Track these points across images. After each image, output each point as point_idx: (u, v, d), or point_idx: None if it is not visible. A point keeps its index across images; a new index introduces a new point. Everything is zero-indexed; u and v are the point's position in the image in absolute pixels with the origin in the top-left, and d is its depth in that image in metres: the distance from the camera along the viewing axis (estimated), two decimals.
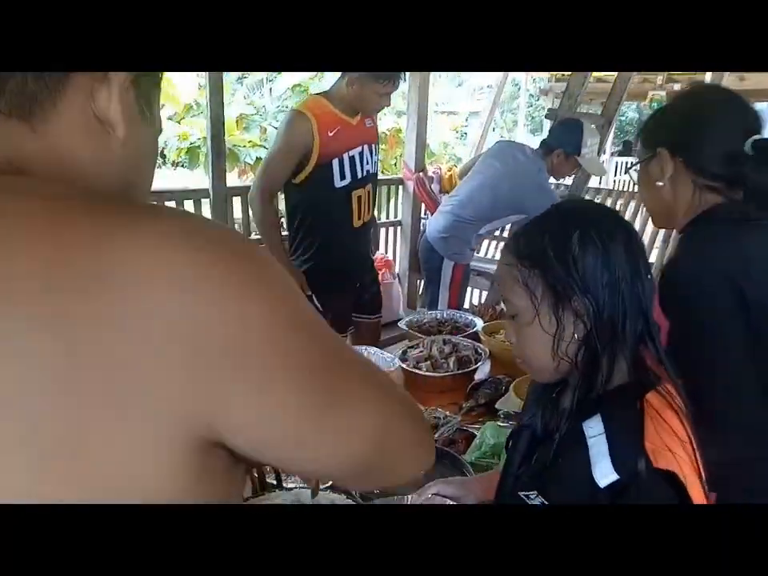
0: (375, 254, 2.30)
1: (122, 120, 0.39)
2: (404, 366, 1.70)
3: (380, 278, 3.34)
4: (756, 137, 0.88)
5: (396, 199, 4.18)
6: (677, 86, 9.35)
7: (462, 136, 11.47)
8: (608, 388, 0.65)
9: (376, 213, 4.01)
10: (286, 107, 8.18)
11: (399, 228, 4.15)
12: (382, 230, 4.12)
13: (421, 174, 3.91)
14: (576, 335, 0.67)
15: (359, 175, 1.97)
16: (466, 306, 2.85)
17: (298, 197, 1.96)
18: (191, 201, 2.95)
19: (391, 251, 4.19)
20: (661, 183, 0.96)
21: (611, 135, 3.04)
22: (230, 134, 7.64)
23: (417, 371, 1.68)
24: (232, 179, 8.02)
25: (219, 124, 2.89)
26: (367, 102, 1.92)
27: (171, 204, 2.85)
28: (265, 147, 7.87)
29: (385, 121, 7.83)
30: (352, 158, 1.94)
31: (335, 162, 1.90)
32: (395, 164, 8.05)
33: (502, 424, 1.25)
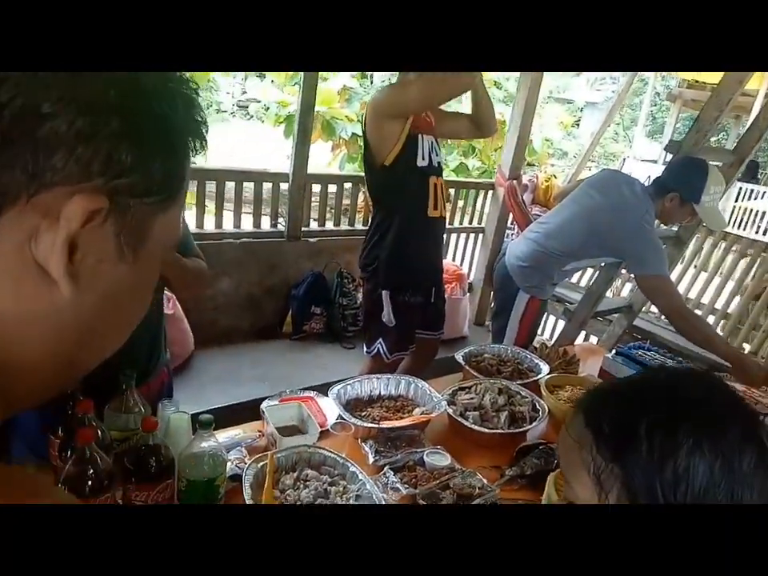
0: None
1: (64, 275, 0.31)
2: (450, 411, 1.60)
3: (450, 291, 3.22)
4: None
5: (483, 205, 4.00)
6: None
7: (572, 132, 10.85)
8: None
9: (460, 218, 3.89)
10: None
11: (481, 235, 3.99)
12: (463, 236, 3.97)
13: (514, 182, 3.71)
14: None
15: (434, 162, 2.00)
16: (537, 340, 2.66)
17: (384, 180, 1.99)
18: (270, 184, 2.95)
19: (468, 259, 4.04)
20: None
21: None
22: (329, 106, 7.65)
23: (462, 421, 1.58)
24: (325, 152, 8.08)
25: (309, 109, 2.86)
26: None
27: (249, 185, 2.87)
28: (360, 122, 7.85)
29: None
30: (429, 142, 1.97)
31: (420, 138, 1.93)
32: (493, 156, 7.74)
33: None
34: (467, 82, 1.87)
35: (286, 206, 2.93)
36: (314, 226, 3.14)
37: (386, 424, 1.50)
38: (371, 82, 8.94)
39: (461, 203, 3.98)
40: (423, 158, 1.95)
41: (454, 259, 3.94)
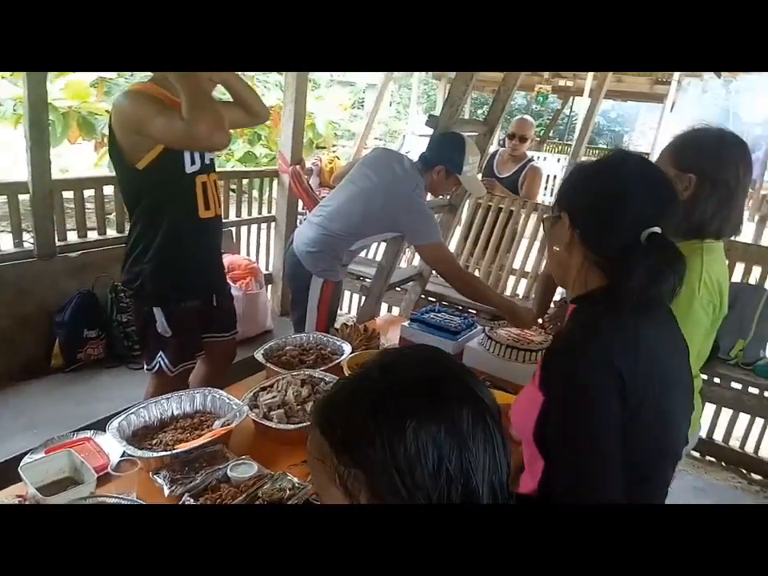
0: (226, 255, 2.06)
1: None
2: (252, 416, 1.53)
3: (245, 287, 3.10)
4: (653, 230, 0.86)
5: (271, 193, 3.91)
6: (561, 82, 9.87)
7: (357, 113, 11.26)
8: None
9: (248, 209, 3.75)
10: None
11: (274, 224, 3.91)
12: (254, 227, 3.86)
13: (297, 166, 3.70)
14: None
15: (205, 160, 1.82)
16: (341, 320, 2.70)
17: (139, 184, 1.75)
18: (3, 196, 2.48)
19: (264, 250, 3.94)
20: (557, 248, 0.98)
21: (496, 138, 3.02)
22: (83, 100, 6.81)
23: (266, 423, 1.52)
24: (88, 152, 7.20)
25: (42, 104, 2.46)
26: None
27: None
28: None
29: (269, 97, 7.41)
30: None
31: None
32: (279, 142, 7.66)
33: None
34: (202, 87, 1.69)
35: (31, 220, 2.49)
36: (73, 238, 2.73)
37: (180, 447, 1.37)
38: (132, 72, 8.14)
39: (246, 194, 3.84)
40: (193, 163, 1.78)
41: (248, 253, 3.81)
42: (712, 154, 1.31)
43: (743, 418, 2.84)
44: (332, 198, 2.33)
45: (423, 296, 3.27)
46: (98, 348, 2.58)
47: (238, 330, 2.18)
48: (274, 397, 1.62)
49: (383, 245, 3.17)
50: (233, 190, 3.79)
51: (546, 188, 9.33)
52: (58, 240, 2.61)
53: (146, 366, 1.92)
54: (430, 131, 2.63)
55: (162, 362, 1.87)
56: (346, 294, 3.75)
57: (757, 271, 2.85)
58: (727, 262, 1.46)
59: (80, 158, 7.35)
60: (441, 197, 2.72)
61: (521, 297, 3.42)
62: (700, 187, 1.30)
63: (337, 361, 1.88)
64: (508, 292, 3.47)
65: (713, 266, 1.34)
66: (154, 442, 1.42)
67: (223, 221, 2.04)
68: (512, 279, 3.51)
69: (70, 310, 2.51)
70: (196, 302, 1.91)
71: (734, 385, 2.58)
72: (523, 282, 3.48)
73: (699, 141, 1.35)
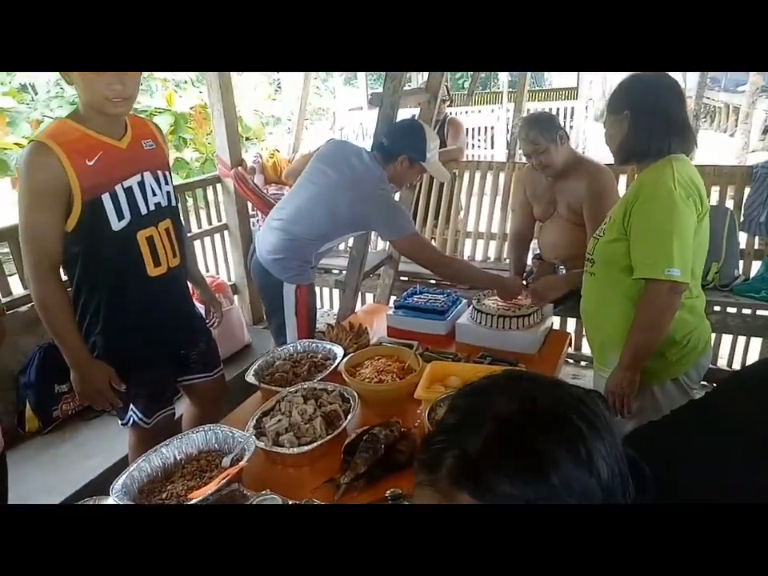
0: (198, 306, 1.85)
1: None
2: (262, 445, 1.47)
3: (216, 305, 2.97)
4: None
5: (216, 199, 3.75)
6: None
7: (276, 97, 10.94)
8: None
9: (197, 221, 3.57)
10: (62, 91, 6.97)
11: (227, 232, 3.77)
12: (207, 239, 3.71)
13: (239, 168, 3.55)
14: None
15: (143, 211, 1.61)
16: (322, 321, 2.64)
17: (74, 248, 1.56)
18: None
19: (222, 260, 3.80)
20: None
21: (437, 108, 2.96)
22: None
23: (279, 450, 1.46)
24: (3, 190, 6.78)
25: None
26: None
27: None
28: None
29: (186, 98, 7.10)
30: (129, 190, 1.57)
31: (106, 199, 1.52)
32: (210, 143, 7.37)
33: None
34: None
35: None
36: (18, 290, 2.55)
37: (194, 496, 1.30)
38: (35, 94, 7.63)
39: (191, 207, 3.68)
40: (122, 217, 1.56)
41: (206, 268, 3.68)
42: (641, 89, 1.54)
43: (726, 339, 2.96)
44: (290, 199, 2.22)
45: (396, 279, 3.23)
46: (73, 402, 2.42)
47: (222, 367, 2.02)
48: (279, 420, 1.56)
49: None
50: None
51: (479, 140, 9.34)
52: (3, 296, 2.43)
53: (120, 422, 1.78)
54: (361, 105, 2.55)
55: (134, 416, 1.74)
56: (318, 289, 3.66)
57: (715, 192, 2.92)
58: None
59: None
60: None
61: (492, 260, 3.41)
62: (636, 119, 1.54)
63: (332, 366, 1.83)
64: (479, 257, 3.46)
65: (683, 167, 1.53)
66: (165, 495, 1.35)
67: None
68: (480, 243, 3.49)
69: (35, 367, 2.34)
70: (159, 366, 1.77)
71: (716, 308, 2.65)
72: (492, 245, 3.46)
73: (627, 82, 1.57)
